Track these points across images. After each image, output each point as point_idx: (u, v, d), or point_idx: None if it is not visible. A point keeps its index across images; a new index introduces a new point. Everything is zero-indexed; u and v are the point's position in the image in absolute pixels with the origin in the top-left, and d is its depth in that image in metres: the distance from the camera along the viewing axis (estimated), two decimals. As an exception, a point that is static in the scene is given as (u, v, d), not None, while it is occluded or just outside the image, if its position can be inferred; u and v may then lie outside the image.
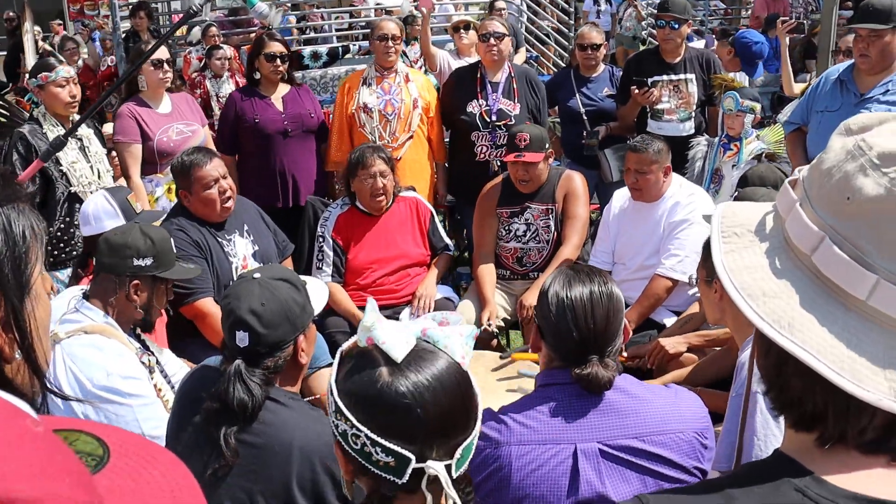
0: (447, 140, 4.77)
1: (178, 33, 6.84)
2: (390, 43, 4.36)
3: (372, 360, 1.19)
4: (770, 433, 1.84)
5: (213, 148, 4.18)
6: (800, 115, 3.97)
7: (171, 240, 2.59)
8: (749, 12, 10.14)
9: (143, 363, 2.37)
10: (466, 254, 5.20)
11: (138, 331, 2.51)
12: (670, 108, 4.63)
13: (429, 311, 3.33)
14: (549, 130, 4.80)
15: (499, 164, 4.32)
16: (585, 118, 4.82)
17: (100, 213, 3.07)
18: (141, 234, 2.44)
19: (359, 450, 1.16)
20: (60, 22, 13.27)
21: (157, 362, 2.48)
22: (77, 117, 3.80)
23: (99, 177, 3.87)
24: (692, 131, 4.62)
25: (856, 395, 0.76)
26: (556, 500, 1.69)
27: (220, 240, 3.29)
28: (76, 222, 3.63)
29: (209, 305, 3.12)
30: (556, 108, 5.03)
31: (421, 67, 5.74)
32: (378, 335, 1.18)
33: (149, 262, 2.42)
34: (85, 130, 3.89)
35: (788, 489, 0.80)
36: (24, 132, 3.71)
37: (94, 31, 10.84)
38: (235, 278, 2.53)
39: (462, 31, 5.66)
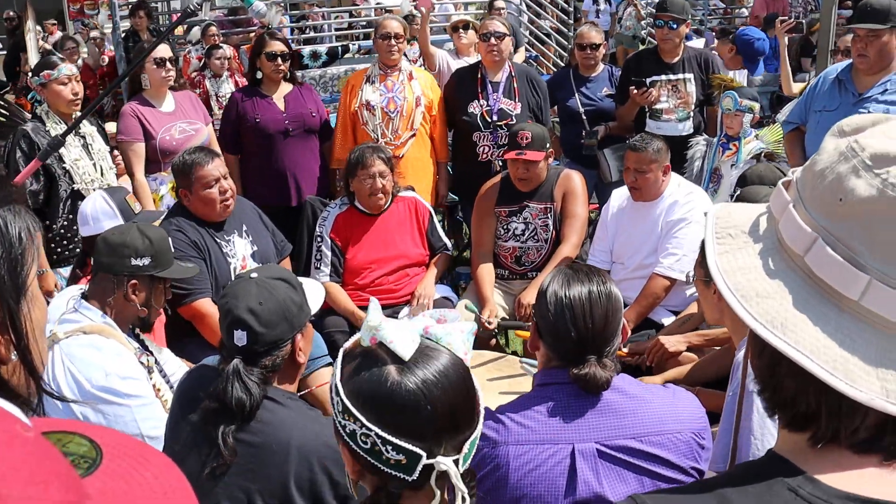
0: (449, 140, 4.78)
1: (176, 32, 6.84)
2: (393, 41, 4.37)
3: (378, 359, 1.19)
4: (767, 433, 1.85)
5: (217, 146, 4.20)
6: (798, 115, 3.97)
7: (170, 239, 2.60)
8: (748, 12, 10.14)
9: (141, 363, 2.37)
10: (466, 253, 5.20)
11: (137, 330, 2.52)
12: (669, 108, 4.63)
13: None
14: (549, 130, 4.80)
15: (500, 163, 4.33)
16: (584, 118, 4.83)
17: (98, 214, 3.07)
18: (139, 234, 2.44)
19: (369, 449, 1.16)
20: (55, 22, 13.27)
21: (156, 362, 2.48)
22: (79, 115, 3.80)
23: (102, 174, 3.87)
24: (691, 131, 4.63)
25: (848, 394, 0.77)
26: (554, 500, 1.70)
27: (218, 240, 3.29)
28: (79, 220, 3.64)
29: (207, 306, 3.13)
30: (555, 107, 5.03)
31: (420, 67, 5.73)
32: (385, 335, 1.19)
33: (147, 261, 2.43)
34: (88, 128, 3.90)
35: (781, 489, 0.81)
36: (27, 130, 3.71)
37: (93, 30, 10.86)
38: (234, 279, 2.53)
39: (461, 30, 5.65)
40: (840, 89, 3.75)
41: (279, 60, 4.32)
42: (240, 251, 3.35)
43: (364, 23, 9.74)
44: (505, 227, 3.86)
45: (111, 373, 2.23)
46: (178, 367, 2.59)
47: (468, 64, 4.97)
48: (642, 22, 8.77)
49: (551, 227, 3.81)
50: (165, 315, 2.93)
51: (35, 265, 0.85)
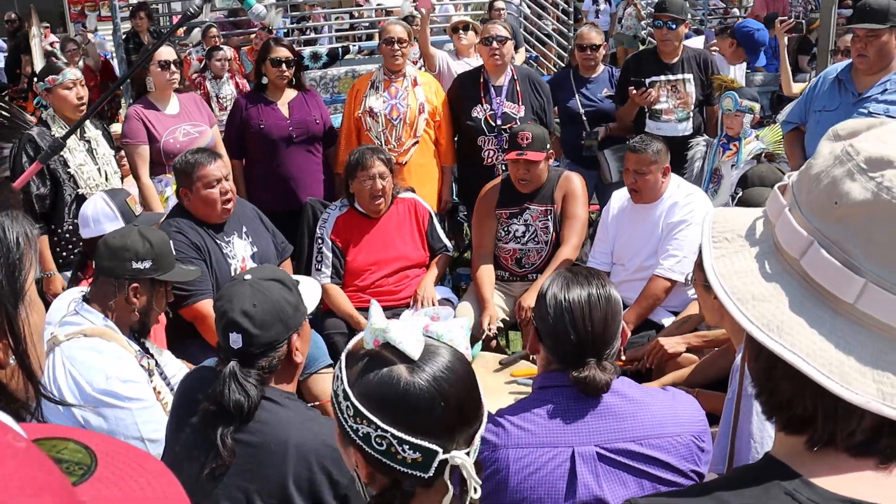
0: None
1: (177, 33, 6.85)
2: (396, 46, 4.35)
3: (386, 360, 1.20)
4: (766, 435, 1.84)
5: (223, 147, 4.20)
6: (798, 115, 3.97)
7: (170, 242, 2.60)
8: (748, 11, 10.13)
9: (142, 366, 2.37)
10: (467, 254, 5.21)
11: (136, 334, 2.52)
12: (668, 109, 4.62)
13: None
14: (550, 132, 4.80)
15: (504, 167, 4.33)
16: (585, 119, 4.83)
17: (99, 216, 3.08)
18: (140, 237, 2.44)
19: (384, 451, 1.17)
20: (47, 24, 13.29)
21: (157, 365, 2.48)
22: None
23: (106, 179, 3.88)
24: (690, 131, 4.62)
25: (844, 397, 0.77)
26: (554, 503, 1.70)
27: (218, 241, 3.30)
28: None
29: (208, 307, 3.12)
30: (556, 108, 5.03)
31: (420, 68, 5.74)
32: (394, 336, 1.20)
33: (148, 264, 2.43)
34: (93, 132, 3.91)
35: (778, 492, 0.81)
36: (32, 135, 3.72)
37: (95, 32, 10.88)
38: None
39: (461, 31, 5.65)
40: (840, 89, 3.75)
41: (284, 66, 4.31)
42: (240, 252, 3.35)
43: (365, 24, 9.75)
44: (505, 228, 3.86)
45: (112, 376, 2.24)
46: (178, 370, 2.59)
47: (469, 67, 4.96)
48: (642, 22, 8.77)
49: (552, 229, 3.81)
50: (166, 317, 2.93)
51: (33, 270, 0.86)
